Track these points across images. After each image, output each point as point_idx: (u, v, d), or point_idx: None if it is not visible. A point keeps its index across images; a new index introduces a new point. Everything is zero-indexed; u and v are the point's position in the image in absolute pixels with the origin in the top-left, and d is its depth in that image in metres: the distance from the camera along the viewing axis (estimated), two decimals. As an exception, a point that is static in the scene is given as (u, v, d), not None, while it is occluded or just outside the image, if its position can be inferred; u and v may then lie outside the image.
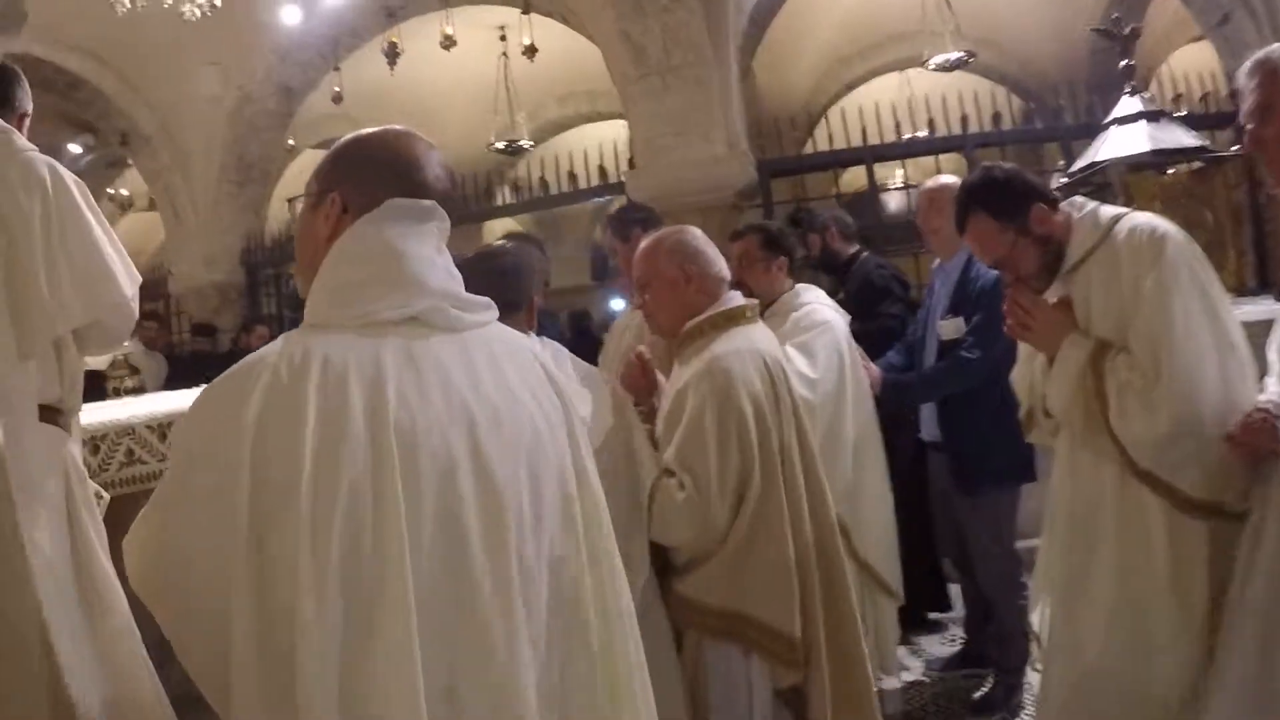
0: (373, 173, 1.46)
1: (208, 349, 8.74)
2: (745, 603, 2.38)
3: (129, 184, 12.57)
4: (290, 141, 9.74)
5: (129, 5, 5.45)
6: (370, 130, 1.55)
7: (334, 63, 8.59)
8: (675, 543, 2.48)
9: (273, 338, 1.66)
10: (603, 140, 8.08)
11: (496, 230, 15.50)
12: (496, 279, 2.39)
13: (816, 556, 2.46)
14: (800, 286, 3.76)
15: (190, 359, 8.54)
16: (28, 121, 2.73)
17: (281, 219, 10.27)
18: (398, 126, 1.57)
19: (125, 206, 12.12)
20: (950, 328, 3.67)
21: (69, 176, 2.51)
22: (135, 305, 2.61)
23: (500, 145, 11.08)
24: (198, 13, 5.56)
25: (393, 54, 8.33)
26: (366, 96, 10.64)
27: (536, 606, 1.34)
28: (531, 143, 11.60)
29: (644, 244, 2.76)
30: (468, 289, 2.17)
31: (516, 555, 1.32)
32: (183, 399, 3.28)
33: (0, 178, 2.42)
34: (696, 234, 2.71)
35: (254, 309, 9.99)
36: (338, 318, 1.35)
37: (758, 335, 2.63)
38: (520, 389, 1.44)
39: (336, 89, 8.46)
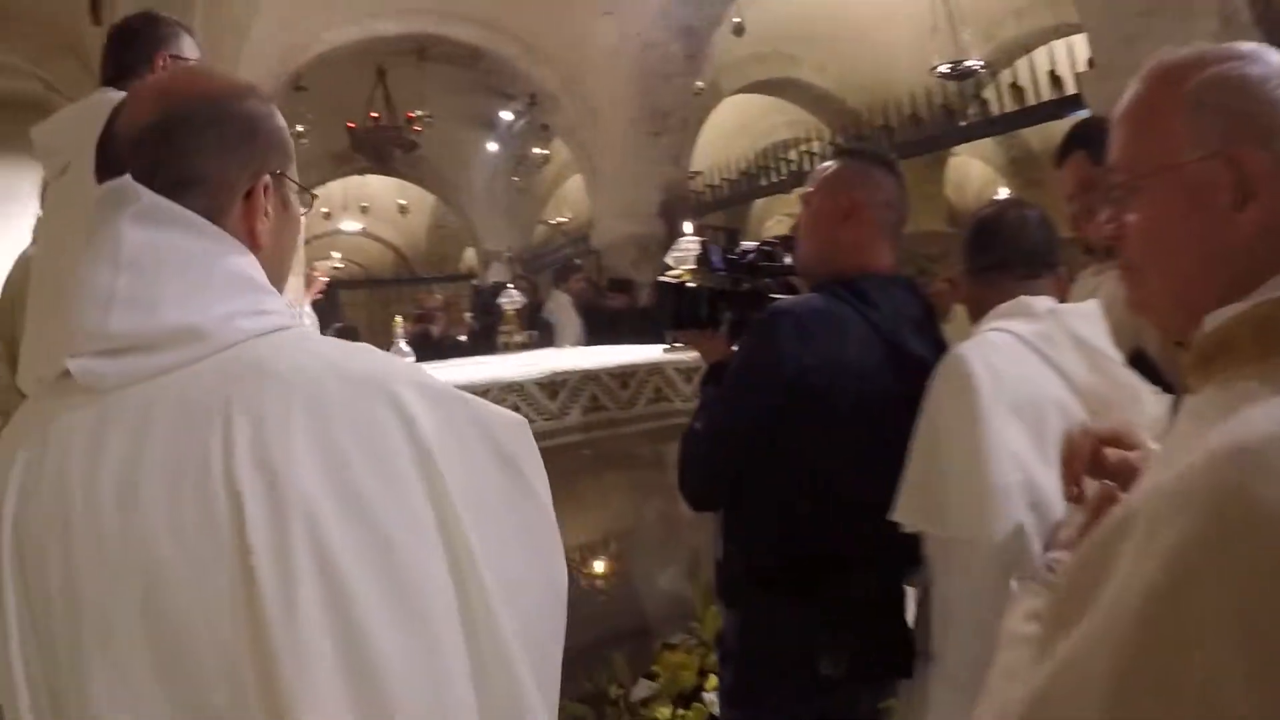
0: None
1: (622, 305, 8.26)
2: None
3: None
4: (699, 84, 8.92)
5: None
6: None
7: (731, -7, 7.60)
8: None
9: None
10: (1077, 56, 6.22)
11: (968, 174, 13.82)
12: (1007, 236, 1.92)
13: None
14: None
15: (606, 315, 8.11)
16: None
17: (707, 166, 9.55)
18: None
19: (539, 165, 12.12)
20: None
21: None
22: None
23: (945, 69, 9.36)
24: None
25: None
26: (786, 27, 9.59)
27: None
28: (983, 64, 9.72)
29: (1132, 91, 1.12)
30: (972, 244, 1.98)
31: None
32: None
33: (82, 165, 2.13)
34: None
35: (673, 262, 9.37)
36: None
37: None
38: (152, 488, 0.92)
39: (736, 20, 7.43)
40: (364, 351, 1.07)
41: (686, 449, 2.01)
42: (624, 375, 2.76)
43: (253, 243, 1.07)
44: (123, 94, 2.28)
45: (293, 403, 0.95)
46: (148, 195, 1.01)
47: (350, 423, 0.96)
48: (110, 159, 1.04)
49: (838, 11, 9.80)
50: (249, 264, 1.05)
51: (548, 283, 10.24)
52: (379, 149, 10.17)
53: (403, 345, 4.12)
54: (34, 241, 2.62)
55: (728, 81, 10.55)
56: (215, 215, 1.04)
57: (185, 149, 1.05)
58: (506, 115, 11.42)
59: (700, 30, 8.43)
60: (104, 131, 1.07)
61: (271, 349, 1.00)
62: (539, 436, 2.53)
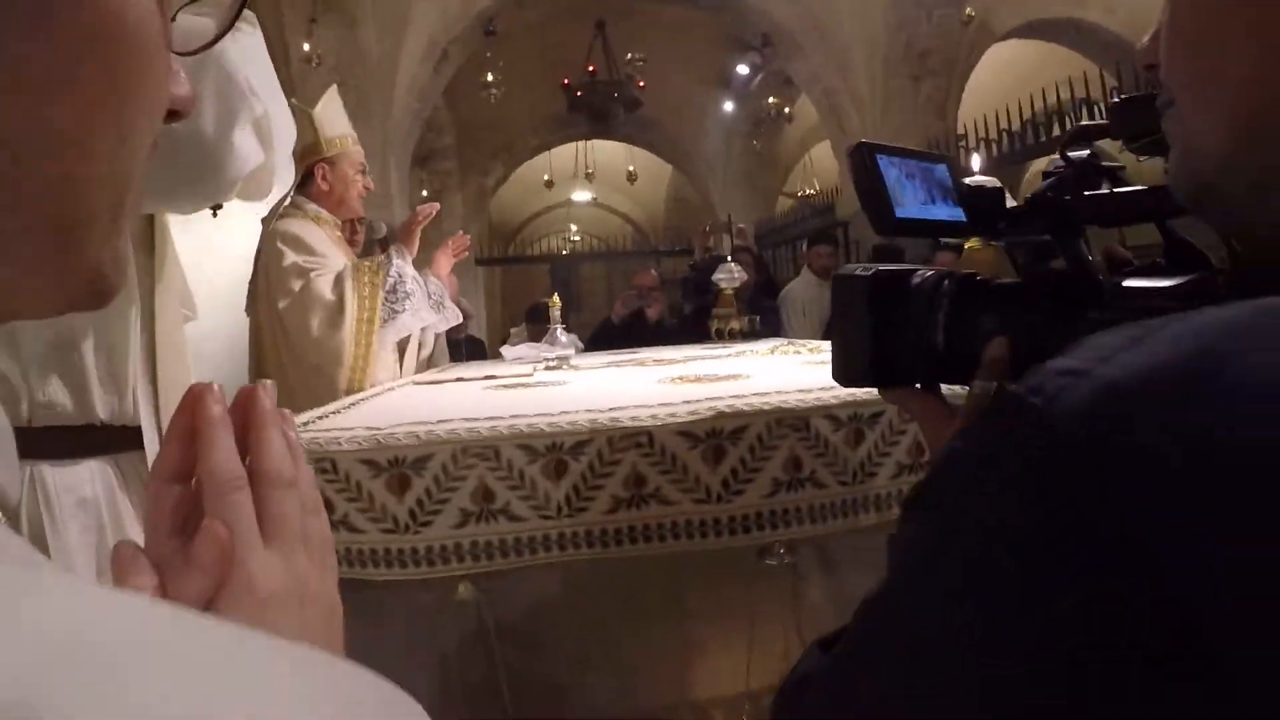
0: None
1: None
2: None
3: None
4: (969, 11, 7.34)
5: None
6: None
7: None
8: None
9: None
10: None
11: None
12: None
13: None
14: None
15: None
16: None
17: (976, 118, 7.86)
18: None
19: (773, 116, 10.73)
20: None
21: None
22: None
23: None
24: None
25: None
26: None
27: None
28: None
29: None
30: None
31: None
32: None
33: None
34: None
35: (940, 232, 7.82)
36: None
37: None
38: None
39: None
40: None
41: None
42: (855, 419, 1.48)
43: None
44: None
45: None
46: None
47: None
48: None
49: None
50: None
51: (787, 260, 8.98)
52: (598, 108, 9.13)
53: (560, 334, 3.12)
54: None
55: (999, 20, 8.72)
56: None
57: None
58: (743, 69, 10.15)
59: (972, -55, 6.91)
60: None
61: None
62: (682, 533, 1.36)
